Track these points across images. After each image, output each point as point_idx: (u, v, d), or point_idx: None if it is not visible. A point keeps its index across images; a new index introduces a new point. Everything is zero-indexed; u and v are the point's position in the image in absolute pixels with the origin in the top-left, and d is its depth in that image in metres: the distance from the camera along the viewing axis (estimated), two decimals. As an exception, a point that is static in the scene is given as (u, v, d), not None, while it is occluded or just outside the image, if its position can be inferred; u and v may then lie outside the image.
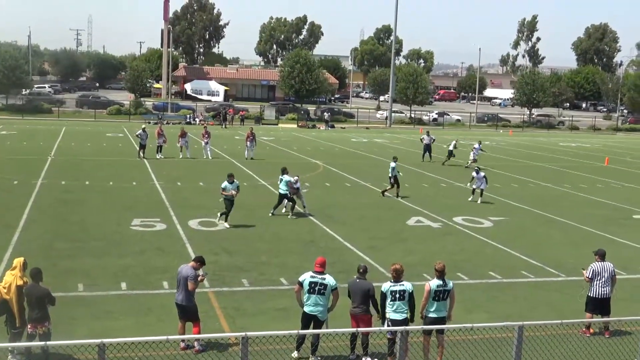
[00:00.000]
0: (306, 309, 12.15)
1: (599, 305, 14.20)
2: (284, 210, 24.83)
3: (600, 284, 14.12)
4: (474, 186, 29.33)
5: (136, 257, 18.45)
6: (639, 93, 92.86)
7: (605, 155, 51.81)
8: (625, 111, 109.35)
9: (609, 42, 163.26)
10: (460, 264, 19.10)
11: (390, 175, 29.47)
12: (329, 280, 12.19)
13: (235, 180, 22.99)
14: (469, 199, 29.15)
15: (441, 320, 11.93)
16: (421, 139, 45.20)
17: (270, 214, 24.50)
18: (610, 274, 14.21)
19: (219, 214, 22.90)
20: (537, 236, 23.36)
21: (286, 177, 24.54)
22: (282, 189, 24.54)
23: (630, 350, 11.99)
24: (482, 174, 29.24)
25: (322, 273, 12.23)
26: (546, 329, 11.77)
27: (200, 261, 12.72)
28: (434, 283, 12.10)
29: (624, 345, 12.39)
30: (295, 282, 12.70)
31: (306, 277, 12.20)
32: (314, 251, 19.22)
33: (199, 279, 12.56)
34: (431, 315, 12.04)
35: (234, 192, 22.54)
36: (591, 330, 14.07)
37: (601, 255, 14.50)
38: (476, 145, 41.91)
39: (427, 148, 43.46)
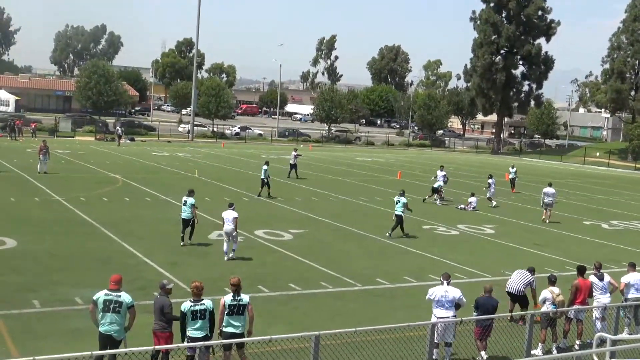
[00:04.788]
0: (101, 328, 11.63)
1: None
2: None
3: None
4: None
5: None
6: (427, 111, 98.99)
7: (397, 169, 54.64)
8: (416, 128, 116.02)
9: (401, 62, 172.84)
10: (262, 276, 19.26)
11: (262, 177, 34.52)
12: (125, 297, 11.75)
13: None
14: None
15: (238, 335, 11.88)
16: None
17: (387, 235, 26.15)
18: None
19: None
20: (335, 248, 24.10)
21: (403, 199, 26.18)
22: (398, 210, 26.12)
23: (420, 351, 12.66)
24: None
25: (117, 290, 11.77)
26: (342, 337, 12.10)
27: None
28: (228, 298, 12.07)
29: (412, 347, 13.04)
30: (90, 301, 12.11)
31: (100, 295, 11.70)
32: (111, 268, 18.45)
33: None
34: (227, 330, 11.97)
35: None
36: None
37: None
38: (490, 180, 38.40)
39: (293, 166, 44.54)
